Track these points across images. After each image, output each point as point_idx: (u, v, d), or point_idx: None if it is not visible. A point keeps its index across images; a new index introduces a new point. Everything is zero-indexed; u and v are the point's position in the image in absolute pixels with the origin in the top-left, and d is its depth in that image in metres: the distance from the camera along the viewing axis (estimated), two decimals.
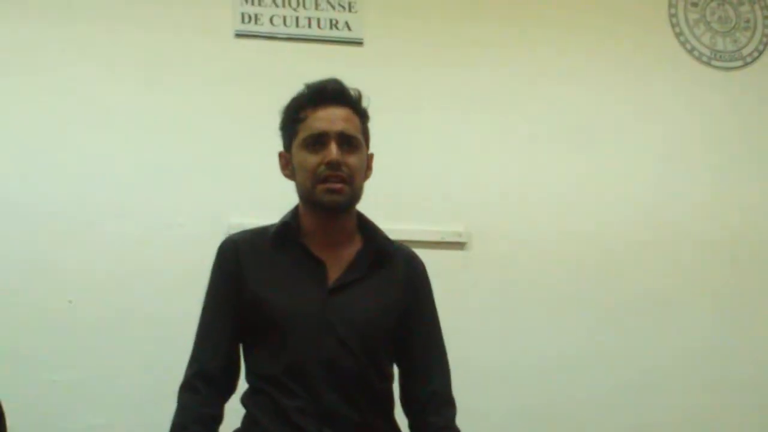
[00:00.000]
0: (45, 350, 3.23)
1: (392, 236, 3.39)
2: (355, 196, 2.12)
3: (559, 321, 3.66)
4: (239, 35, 3.59)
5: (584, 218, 3.76)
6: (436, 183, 3.66)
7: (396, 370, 2.23)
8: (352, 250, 2.15)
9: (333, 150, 2.04)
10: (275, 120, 2.23)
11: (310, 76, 3.50)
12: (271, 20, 3.62)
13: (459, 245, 3.60)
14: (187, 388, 2.10)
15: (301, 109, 2.12)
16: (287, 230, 2.13)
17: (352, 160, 2.08)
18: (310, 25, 3.65)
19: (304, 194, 2.12)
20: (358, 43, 3.68)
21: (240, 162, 3.47)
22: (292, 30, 3.63)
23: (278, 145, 2.22)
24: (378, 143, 3.54)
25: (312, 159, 2.06)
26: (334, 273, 2.10)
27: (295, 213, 2.17)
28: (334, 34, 3.66)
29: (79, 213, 3.35)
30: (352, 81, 3.57)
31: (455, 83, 3.73)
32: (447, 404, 2.16)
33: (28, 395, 3.14)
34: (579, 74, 3.87)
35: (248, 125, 3.44)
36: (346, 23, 3.68)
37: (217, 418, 2.11)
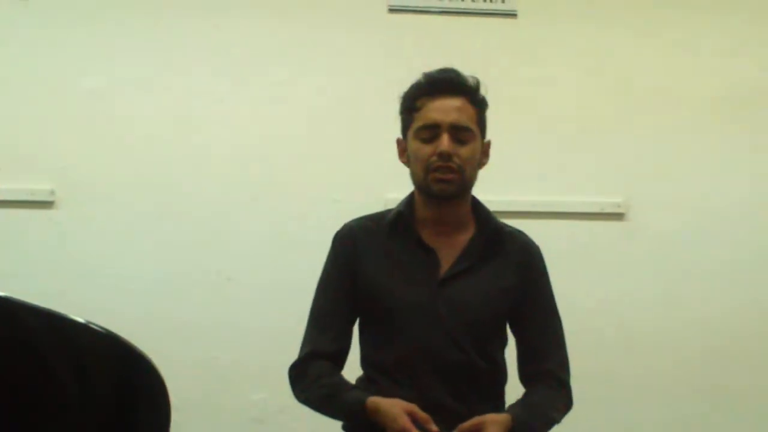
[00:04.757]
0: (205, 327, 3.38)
1: (550, 209, 3.46)
2: (466, 185, 2.15)
3: (721, 294, 3.56)
4: (392, 10, 3.60)
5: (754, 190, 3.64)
6: (594, 152, 3.58)
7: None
8: (465, 237, 2.18)
9: (445, 141, 2.08)
10: None
11: (464, 50, 3.54)
12: None
13: (617, 216, 3.53)
14: (297, 369, 2.19)
15: (417, 99, 2.16)
16: (401, 219, 2.19)
17: (464, 151, 2.11)
18: None
19: (417, 182, 2.17)
20: (512, 15, 3.63)
21: (393, 138, 3.45)
22: (445, 3, 3.63)
23: None
24: (549, 115, 3.55)
25: (425, 149, 2.11)
26: (446, 262, 2.15)
27: (409, 201, 2.22)
28: (488, 6, 3.63)
29: (240, 191, 3.46)
30: (505, 54, 3.59)
31: (611, 56, 3.64)
32: (560, 384, 2.18)
33: (190, 375, 3.24)
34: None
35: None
36: None
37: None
